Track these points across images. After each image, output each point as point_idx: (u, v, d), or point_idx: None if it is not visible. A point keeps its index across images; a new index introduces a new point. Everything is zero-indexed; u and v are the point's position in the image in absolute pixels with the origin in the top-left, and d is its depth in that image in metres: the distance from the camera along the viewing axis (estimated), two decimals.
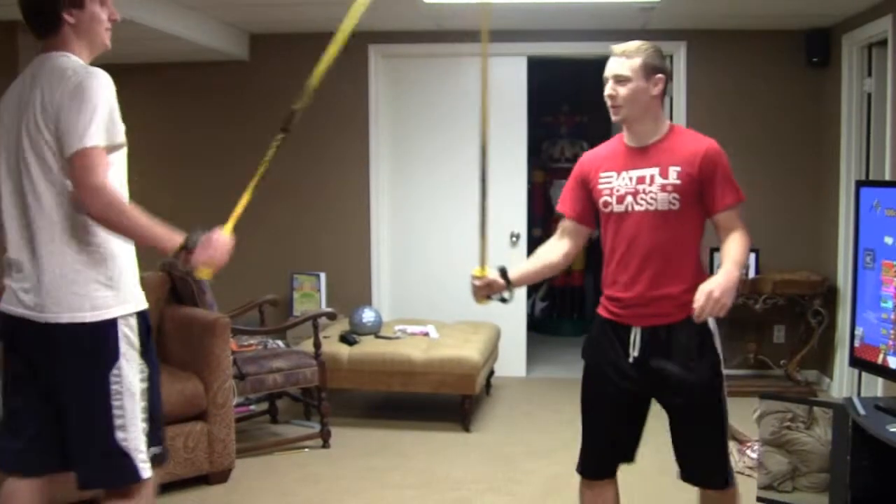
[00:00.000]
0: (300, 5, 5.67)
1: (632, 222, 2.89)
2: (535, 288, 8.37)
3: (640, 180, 2.88)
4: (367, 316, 5.81)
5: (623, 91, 2.86)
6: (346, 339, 5.61)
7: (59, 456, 2.67)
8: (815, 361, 6.31)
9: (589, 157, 3.09)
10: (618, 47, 2.91)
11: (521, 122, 6.63)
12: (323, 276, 6.57)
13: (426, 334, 5.81)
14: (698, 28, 6.37)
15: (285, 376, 4.89)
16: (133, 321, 2.61)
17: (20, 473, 2.69)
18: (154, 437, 2.69)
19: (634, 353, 2.90)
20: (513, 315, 6.48)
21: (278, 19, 6.17)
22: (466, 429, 5.37)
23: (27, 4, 2.67)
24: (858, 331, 3.74)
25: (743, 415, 4.94)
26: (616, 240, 2.94)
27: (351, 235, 6.69)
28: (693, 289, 2.67)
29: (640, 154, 2.92)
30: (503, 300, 3.04)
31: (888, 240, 3.57)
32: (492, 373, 6.14)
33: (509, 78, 6.58)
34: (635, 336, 2.90)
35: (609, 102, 2.92)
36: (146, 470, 2.64)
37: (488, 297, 3.04)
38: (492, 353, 5.92)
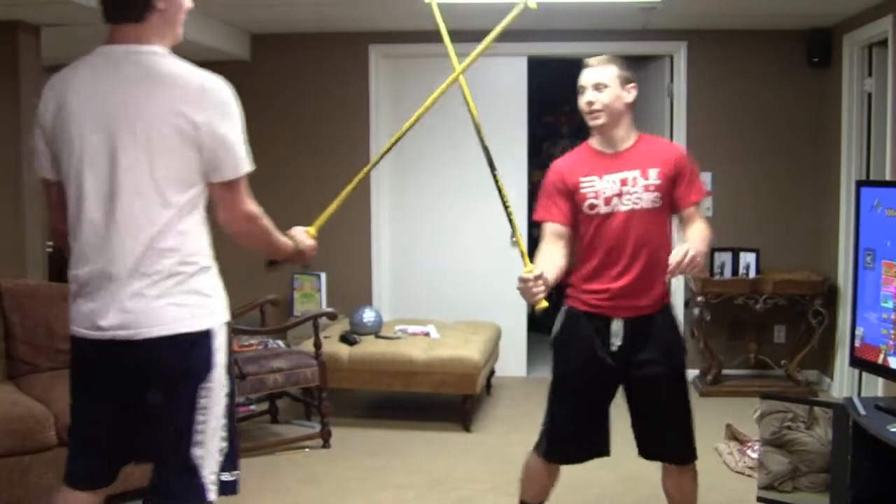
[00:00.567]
0: (301, 5, 5.67)
1: (619, 221, 3.13)
2: None
3: (624, 182, 3.13)
4: (368, 316, 5.81)
5: (602, 98, 3.13)
6: (346, 339, 5.61)
7: (120, 469, 2.58)
8: (816, 361, 6.31)
9: (565, 165, 3.29)
10: (593, 59, 3.20)
11: (521, 122, 6.63)
12: (323, 276, 6.58)
13: (427, 334, 5.81)
14: (698, 28, 6.37)
15: (286, 376, 4.89)
16: (223, 333, 2.45)
17: (87, 489, 2.56)
18: (229, 462, 2.52)
19: (618, 342, 3.15)
20: (513, 315, 6.48)
21: (279, 19, 6.17)
22: (467, 429, 5.37)
23: None
24: (859, 331, 3.74)
25: (743, 415, 4.94)
26: (601, 237, 3.16)
27: (351, 235, 6.69)
28: (664, 282, 3.14)
29: (616, 159, 3.18)
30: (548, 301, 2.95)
31: (888, 242, 3.57)
32: (492, 373, 6.14)
33: (510, 78, 6.59)
34: (617, 327, 3.15)
35: (587, 109, 3.16)
36: (213, 493, 2.46)
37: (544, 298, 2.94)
38: (492, 352, 5.92)
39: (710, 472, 4.56)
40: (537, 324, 8.45)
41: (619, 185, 3.13)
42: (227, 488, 2.53)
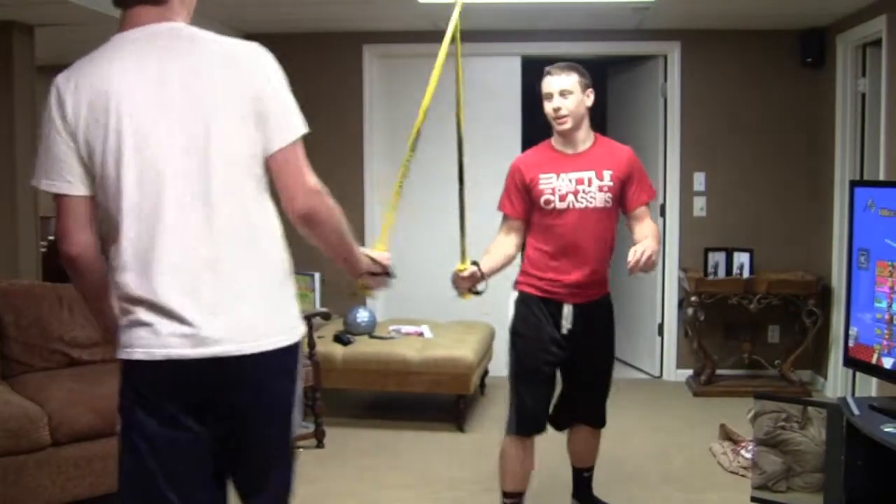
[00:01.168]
0: (295, 5, 5.67)
1: (573, 218, 3.43)
2: None
3: (580, 182, 3.42)
4: (362, 316, 5.81)
5: (568, 103, 3.40)
6: (340, 339, 5.61)
7: None
8: (810, 361, 6.32)
9: (525, 162, 3.59)
10: (555, 67, 3.46)
11: (515, 121, 6.62)
12: (317, 276, 6.56)
13: (420, 334, 5.81)
14: (692, 28, 6.38)
15: None
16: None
17: None
18: None
19: (568, 325, 3.49)
20: (507, 315, 6.47)
21: (273, 19, 6.16)
22: (461, 429, 5.36)
23: None
24: (853, 331, 3.74)
25: (737, 415, 4.95)
26: (555, 233, 3.47)
27: None
28: (607, 273, 3.57)
29: (575, 159, 3.47)
30: (478, 293, 3.45)
31: (886, 240, 3.58)
32: (486, 372, 6.14)
33: (504, 78, 6.58)
34: (568, 311, 3.48)
35: (554, 115, 3.44)
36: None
37: (469, 291, 3.43)
38: (486, 352, 5.92)
39: (705, 473, 4.57)
40: None
41: (575, 184, 3.42)
42: None
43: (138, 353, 2.04)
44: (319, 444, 5.02)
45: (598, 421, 3.79)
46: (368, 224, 6.73)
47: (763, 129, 6.49)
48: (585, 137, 3.50)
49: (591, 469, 3.94)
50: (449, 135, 3.26)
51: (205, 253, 2.00)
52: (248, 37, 6.70)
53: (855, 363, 3.83)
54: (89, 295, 2.22)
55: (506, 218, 3.61)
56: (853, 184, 4.04)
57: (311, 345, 5.03)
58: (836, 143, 5.96)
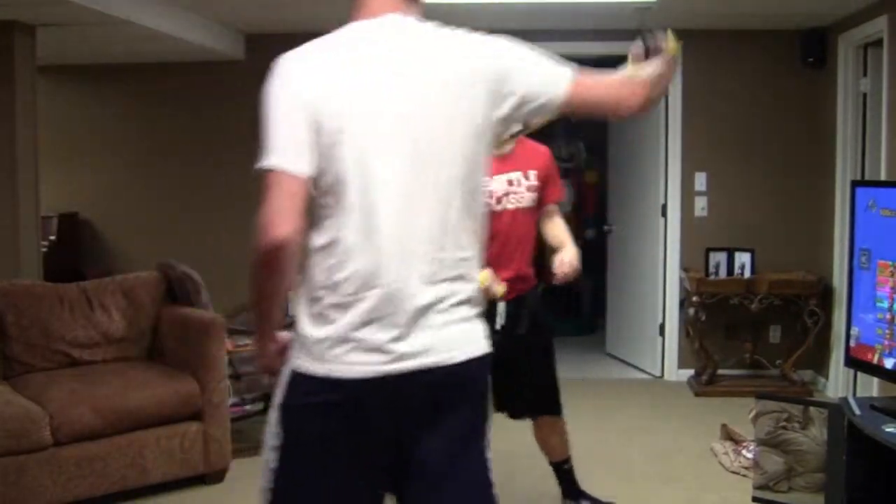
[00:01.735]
0: (296, 5, 5.66)
1: (507, 217, 3.55)
2: None
3: (510, 183, 3.57)
4: None
5: None
6: None
7: None
8: (811, 361, 6.31)
9: None
10: None
11: None
12: None
13: None
14: (694, 28, 6.36)
15: None
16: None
17: None
18: None
19: (502, 321, 3.57)
20: None
21: (273, 19, 6.16)
22: None
23: None
24: (854, 331, 3.74)
25: (739, 415, 4.95)
26: (491, 233, 3.54)
27: None
28: (532, 267, 3.69)
29: (503, 161, 3.55)
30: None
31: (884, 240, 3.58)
32: None
33: None
34: (501, 308, 3.56)
35: None
36: None
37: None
38: None
39: (706, 473, 4.57)
40: None
41: (506, 185, 3.56)
42: None
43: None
44: None
45: (552, 409, 3.84)
46: None
47: (764, 130, 6.49)
48: (510, 139, 3.60)
49: (568, 461, 3.95)
50: None
51: None
52: (249, 37, 6.74)
53: (856, 363, 3.83)
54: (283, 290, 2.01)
55: None
56: (854, 184, 4.04)
57: None
58: (837, 143, 5.96)
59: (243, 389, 4.75)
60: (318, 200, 1.89)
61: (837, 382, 5.90)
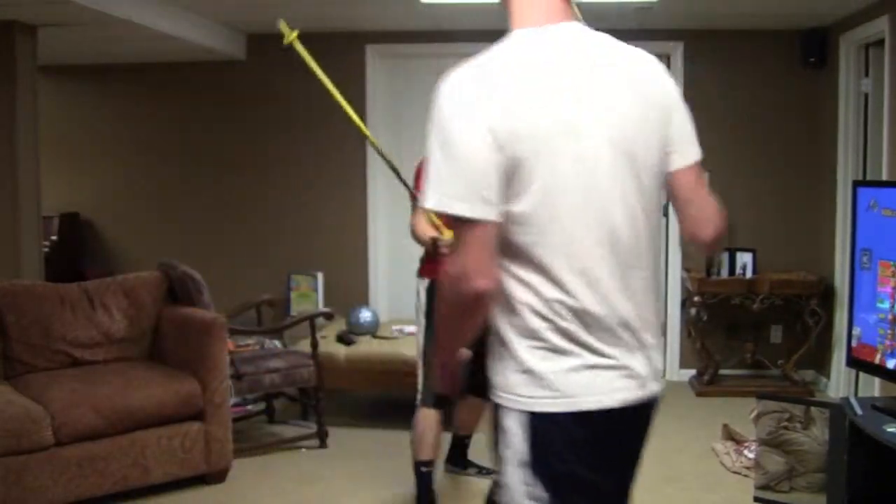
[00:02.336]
0: (297, 5, 5.66)
1: None
2: None
3: None
4: (365, 316, 5.80)
5: None
6: (343, 339, 5.60)
7: None
8: (812, 361, 6.31)
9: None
10: None
11: None
12: (320, 276, 6.57)
13: None
14: (695, 28, 6.37)
15: (282, 376, 4.89)
16: None
17: None
18: None
19: None
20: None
21: (275, 19, 6.16)
22: None
23: None
24: (855, 331, 3.74)
25: (740, 415, 4.95)
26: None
27: (348, 235, 6.68)
28: None
29: None
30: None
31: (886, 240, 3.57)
32: None
33: None
34: None
35: None
36: None
37: None
38: None
39: (707, 472, 4.57)
40: None
41: None
42: None
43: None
44: (322, 444, 5.02)
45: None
46: (371, 224, 6.72)
47: (765, 130, 6.49)
48: None
49: (471, 436, 4.40)
50: None
51: None
52: (251, 37, 6.74)
53: (858, 363, 3.83)
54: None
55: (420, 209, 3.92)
56: (856, 184, 4.04)
57: (314, 345, 5.03)
58: (838, 144, 5.95)
59: (245, 389, 4.75)
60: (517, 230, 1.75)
61: (839, 382, 5.90)
